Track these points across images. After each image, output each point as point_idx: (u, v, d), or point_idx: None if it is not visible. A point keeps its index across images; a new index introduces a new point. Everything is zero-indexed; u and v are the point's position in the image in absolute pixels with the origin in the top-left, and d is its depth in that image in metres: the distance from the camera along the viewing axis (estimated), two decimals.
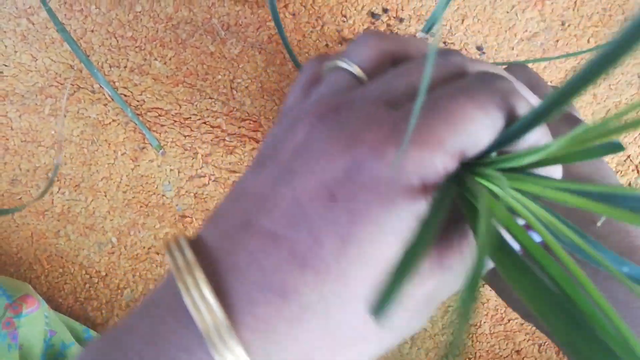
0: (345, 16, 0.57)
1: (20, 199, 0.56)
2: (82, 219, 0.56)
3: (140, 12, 0.56)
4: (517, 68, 0.40)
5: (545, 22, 0.57)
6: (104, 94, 0.55)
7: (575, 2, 0.57)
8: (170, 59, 0.56)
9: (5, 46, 0.55)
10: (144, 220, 0.56)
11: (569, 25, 0.57)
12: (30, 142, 0.56)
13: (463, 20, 0.57)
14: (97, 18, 0.55)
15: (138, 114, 0.55)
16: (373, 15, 0.57)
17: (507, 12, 0.57)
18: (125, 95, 0.55)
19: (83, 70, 0.55)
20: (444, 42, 0.57)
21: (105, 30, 0.55)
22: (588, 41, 0.58)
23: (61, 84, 0.55)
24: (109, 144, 0.56)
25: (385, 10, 0.57)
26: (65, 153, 0.56)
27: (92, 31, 0.55)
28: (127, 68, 0.55)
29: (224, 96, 0.56)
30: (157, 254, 0.56)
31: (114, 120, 0.56)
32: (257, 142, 0.56)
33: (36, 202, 0.56)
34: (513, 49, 0.58)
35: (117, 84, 0.55)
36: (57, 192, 0.56)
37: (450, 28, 0.57)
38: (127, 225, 0.56)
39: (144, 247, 0.56)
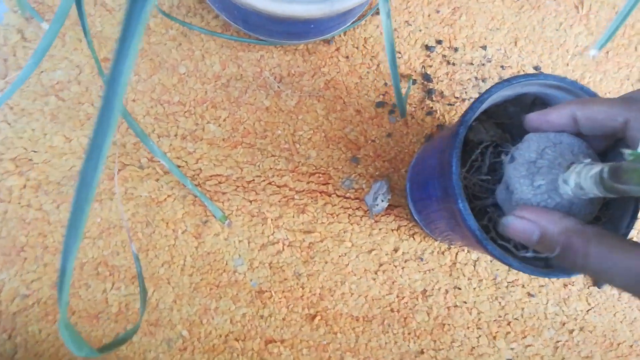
0: (399, 52, 0.54)
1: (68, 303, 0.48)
2: (144, 315, 0.48)
3: (184, 73, 0.50)
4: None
5: (592, 36, 0.57)
6: (154, 169, 0.49)
7: (616, 12, 0.58)
8: (224, 120, 0.51)
9: (33, 129, 0.48)
10: (216, 304, 0.49)
11: (615, 36, 0.57)
12: None
13: (516, 43, 0.56)
14: (137, 86, 0.50)
15: (196, 185, 0.49)
16: (427, 48, 0.55)
17: (556, 30, 0.57)
18: (179, 166, 0.49)
19: (127, 145, 0.49)
20: (502, 66, 0.56)
21: (148, 98, 0.50)
22: (635, 49, 0.58)
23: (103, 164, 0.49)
24: (167, 222, 0.49)
25: (439, 42, 0.55)
26: (116, 241, 0.48)
27: (134, 100, 0.49)
28: (179, 136, 0.50)
29: (286, 152, 0.51)
30: (237, 340, 0.49)
31: (169, 196, 0.49)
32: (329, 195, 0.51)
33: (87, 304, 0.47)
34: (568, 64, 0.57)
35: (169, 154, 0.49)
36: (111, 288, 0.48)
37: (505, 52, 0.56)
38: (197, 314, 0.49)
39: (220, 336, 0.49)
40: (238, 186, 0.50)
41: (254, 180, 0.50)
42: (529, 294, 0.53)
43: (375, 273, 0.51)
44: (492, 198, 0.39)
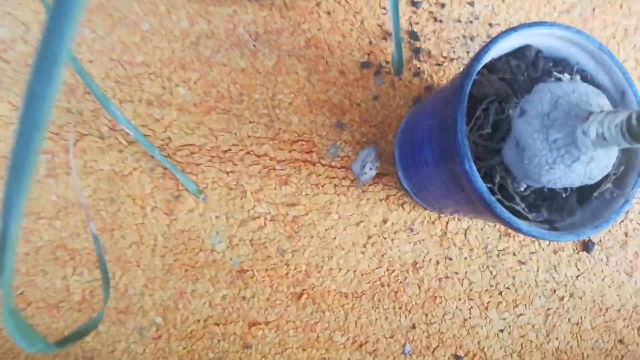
0: (384, 8, 0.50)
1: (21, 293, 0.42)
2: (112, 302, 0.43)
3: (148, 30, 0.45)
4: None
5: None
6: (117, 139, 0.43)
7: None
8: (195, 83, 0.45)
9: None
10: (193, 287, 0.44)
11: None
12: (25, 215, 0.42)
13: (504, 0, 0.53)
14: (94, 44, 0.43)
15: (166, 156, 0.44)
16: (413, 3, 0.51)
17: None
18: (145, 135, 0.44)
19: (84, 112, 0.43)
20: (489, 24, 0.52)
21: (107, 58, 0.44)
22: (621, 6, 0.56)
23: (56, 134, 0.42)
24: (133, 198, 0.44)
25: None
26: (76, 221, 0.43)
27: (91, 61, 0.43)
28: (144, 101, 0.44)
29: (266, 118, 0.46)
30: (217, 324, 0.45)
31: (135, 169, 0.44)
32: (313, 164, 0.47)
33: (46, 292, 0.42)
34: (555, 22, 0.54)
35: (133, 122, 0.44)
36: (72, 274, 0.42)
37: (493, 8, 0.53)
38: (172, 298, 0.44)
39: (198, 321, 0.44)
40: (213, 156, 0.45)
41: (230, 149, 0.46)
42: (520, 262, 0.52)
43: (364, 246, 0.48)
44: (497, 158, 0.36)
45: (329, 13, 0.49)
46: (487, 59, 0.36)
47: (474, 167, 0.33)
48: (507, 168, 0.36)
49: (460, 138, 0.33)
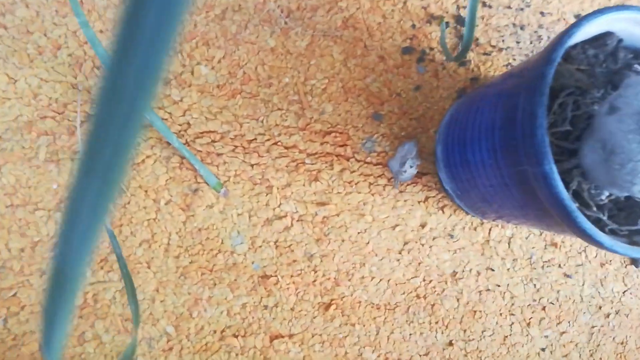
0: None
1: (14, 294, 0.37)
2: (118, 308, 0.38)
3: None
4: None
5: None
6: None
7: None
8: (219, 62, 0.40)
9: None
10: (210, 293, 0.39)
11: None
12: (21, 206, 0.37)
13: None
14: (106, 12, 0.38)
15: (184, 143, 0.39)
16: None
17: None
18: (162, 119, 0.38)
19: (92, 90, 0.37)
20: (541, 13, 0.48)
21: None
22: None
23: (60, 114, 0.37)
24: (146, 190, 0.38)
25: None
26: None
27: (102, 32, 0.38)
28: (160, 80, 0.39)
29: (296, 105, 0.41)
30: (236, 336, 0.39)
31: (148, 157, 0.38)
32: (347, 159, 0.42)
33: (42, 294, 0.36)
34: None
35: None
36: None
37: None
38: (186, 305, 0.39)
39: (214, 332, 0.39)
40: (236, 146, 0.40)
41: (256, 139, 0.40)
42: (565, 275, 0.47)
43: (400, 253, 0.43)
44: (574, 160, 0.31)
45: None
46: (569, 44, 0.31)
47: (555, 169, 0.28)
48: (585, 172, 0.31)
49: (541, 135, 0.28)
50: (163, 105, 0.38)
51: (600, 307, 0.48)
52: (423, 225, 0.44)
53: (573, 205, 0.28)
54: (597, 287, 0.48)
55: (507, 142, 0.33)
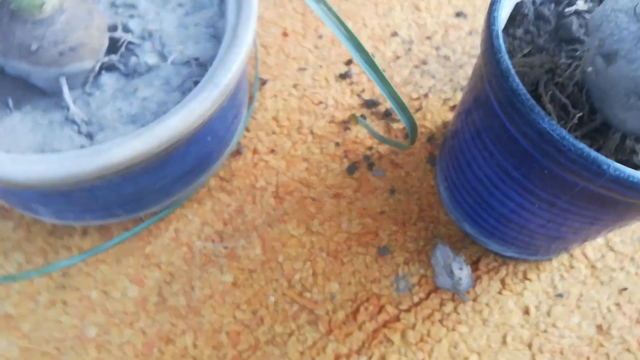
0: (323, 102, 0.40)
1: None
2: None
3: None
4: None
5: None
6: None
7: None
8: (194, 347, 0.31)
9: None
10: None
11: None
12: None
13: None
14: None
15: None
16: (342, 76, 0.41)
17: None
18: None
19: None
20: (427, 38, 0.43)
21: None
22: None
23: None
24: None
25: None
26: None
27: None
28: None
29: (302, 313, 0.32)
30: None
31: None
32: (397, 320, 0.32)
33: None
34: None
35: None
36: None
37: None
38: None
39: None
40: None
41: None
42: None
43: (533, 357, 0.32)
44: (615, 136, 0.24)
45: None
46: (500, 20, 0.25)
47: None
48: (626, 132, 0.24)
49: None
50: None
51: None
52: (526, 311, 0.34)
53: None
54: None
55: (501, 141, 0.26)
